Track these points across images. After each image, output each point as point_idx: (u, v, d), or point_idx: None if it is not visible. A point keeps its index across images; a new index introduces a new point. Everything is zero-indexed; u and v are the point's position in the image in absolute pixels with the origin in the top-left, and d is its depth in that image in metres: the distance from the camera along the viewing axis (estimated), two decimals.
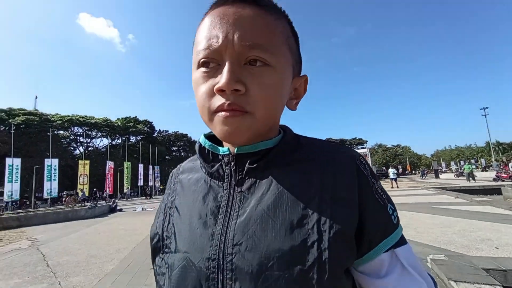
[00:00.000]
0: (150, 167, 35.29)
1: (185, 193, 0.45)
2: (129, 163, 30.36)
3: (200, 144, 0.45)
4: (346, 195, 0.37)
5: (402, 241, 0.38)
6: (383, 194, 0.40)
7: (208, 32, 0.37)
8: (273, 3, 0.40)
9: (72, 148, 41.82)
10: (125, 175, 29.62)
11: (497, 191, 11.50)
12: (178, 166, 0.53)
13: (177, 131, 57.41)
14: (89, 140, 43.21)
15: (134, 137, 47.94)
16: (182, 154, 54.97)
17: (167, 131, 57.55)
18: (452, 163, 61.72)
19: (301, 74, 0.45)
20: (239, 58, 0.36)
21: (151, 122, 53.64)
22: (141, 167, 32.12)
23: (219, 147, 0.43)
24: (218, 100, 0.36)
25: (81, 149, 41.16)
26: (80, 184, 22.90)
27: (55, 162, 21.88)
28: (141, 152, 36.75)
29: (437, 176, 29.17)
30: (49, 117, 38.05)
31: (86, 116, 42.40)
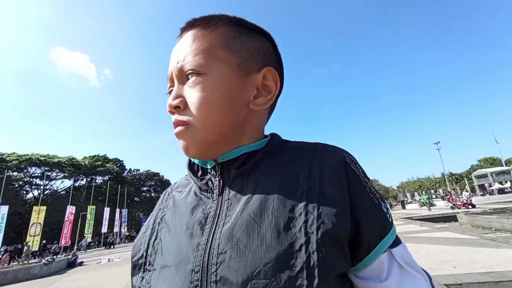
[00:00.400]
0: (117, 210, 32.41)
1: (176, 208, 0.44)
2: (94, 207, 27.53)
3: (190, 160, 0.46)
4: (334, 196, 0.35)
5: (398, 240, 0.38)
6: (376, 193, 0.39)
7: (170, 62, 0.43)
8: (210, 17, 0.42)
9: (24, 192, 37.27)
10: (87, 221, 26.64)
11: (454, 218, 12.75)
12: (174, 183, 0.53)
13: (148, 170, 54.84)
14: (47, 182, 39.13)
15: (100, 177, 44.59)
16: (153, 194, 51.69)
17: (138, 170, 54.81)
18: (416, 193, 66.46)
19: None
20: (182, 79, 0.41)
21: (122, 161, 50.96)
22: (106, 211, 29.03)
23: (207, 161, 0.44)
24: (173, 119, 0.41)
25: (36, 193, 36.89)
26: (30, 235, 19.59)
27: (4, 209, 19.10)
28: (108, 193, 33.99)
29: (403, 207, 31.01)
30: (4, 156, 34.47)
31: (48, 155, 39.14)
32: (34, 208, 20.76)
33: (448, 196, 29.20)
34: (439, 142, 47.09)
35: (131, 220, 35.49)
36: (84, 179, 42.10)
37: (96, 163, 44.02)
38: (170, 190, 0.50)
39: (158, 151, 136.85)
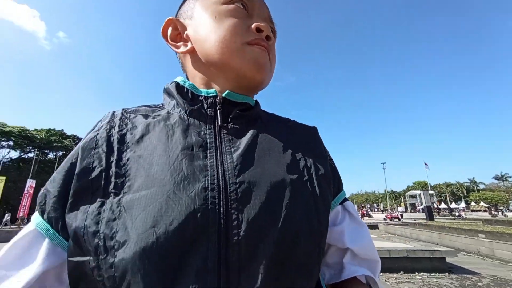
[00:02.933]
0: None
1: (148, 128, 0.40)
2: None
3: (178, 83, 0.44)
4: (319, 152, 0.45)
5: (347, 198, 0.49)
6: (333, 161, 0.50)
7: None
8: None
9: None
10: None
11: (377, 226, 16.64)
12: (121, 108, 0.44)
13: None
14: None
15: (52, 153, 41.64)
16: None
17: None
18: (363, 205, 75.09)
19: None
20: (265, 20, 0.46)
21: (80, 138, 47.87)
22: None
23: (200, 89, 0.43)
24: (254, 35, 0.42)
25: None
26: None
27: None
28: None
29: None
30: None
31: None
32: None
33: (386, 211, 35.51)
34: (385, 163, 54.72)
35: None
36: (32, 152, 38.98)
37: (53, 138, 41.06)
38: (123, 112, 0.43)
39: None
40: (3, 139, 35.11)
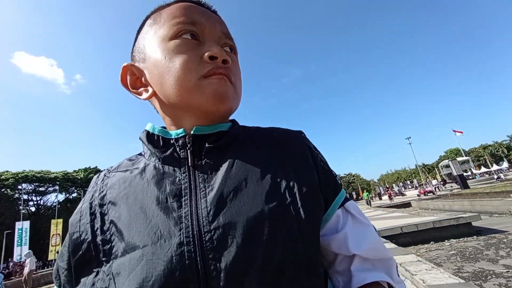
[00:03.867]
0: None
1: (128, 185, 0.40)
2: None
3: (148, 132, 0.44)
4: (304, 161, 0.42)
5: (347, 198, 0.45)
6: (326, 162, 0.46)
7: (187, 12, 0.42)
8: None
9: (17, 209, 37.54)
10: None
11: (409, 204, 16.69)
12: (107, 168, 0.46)
13: None
14: (40, 197, 39.64)
15: None
16: None
17: None
18: (394, 185, 72.57)
19: None
20: (218, 41, 0.43)
21: None
22: None
23: (170, 132, 0.42)
24: (208, 66, 0.40)
25: (32, 209, 37.32)
26: (52, 245, 21.74)
27: (26, 224, 21.00)
28: None
29: (380, 198, 35.62)
30: None
31: (42, 171, 39.70)
32: (52, 221, 22.64)
33: (421, 187, 34.31)
34: (410, 137, 52.67)
35: None
36: (75, 192, 42.79)
37: (90, 176, 44.79)
38: (106, 172, 0.45)
39: None
40: (50, 185, 39.13)
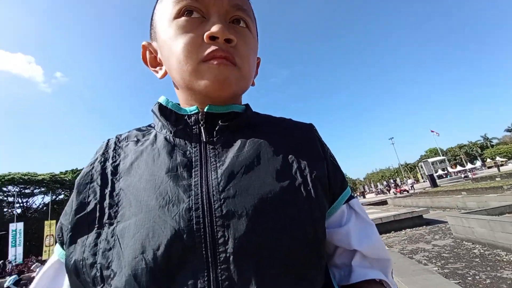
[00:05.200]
0: None
1: (137, 155, 0.40)
2: None
3: (160, 104, 0.44)
4: (315, 151, 0.43)
5: (353, 196, 0.46)
6: (335, 158, 0.47)
7: None
8: None
9: (4, 211, 36.77)
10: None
11: (385, 202, 18.56)
12: (116, 136, 0.46)
13: None
14: (26, 199, 39.02)
15: None
16: None
17: None
18: (378, 183, 76.04)
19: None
20: (226, 15, 0.40)
21: None
22: None
23: (184, 108, 0.42)
24: (209, 48, 0.37)
25: (18, 211, 36.74)
26: (46, 246, 22.07)
27: (20, 225, 21.30)
28: None
29: (363, 196, 37.94)
30: None
31: (28, 172, 39.06)
32: (46, 222, 22.92)
33: (393, 186, 37.43)
34: (392, 138, 55.70)
35: None
36: (63, 194, 42.30)
37: None
38: (116, 141, 0.44)
39: None
40: (36, 187, 38.55)
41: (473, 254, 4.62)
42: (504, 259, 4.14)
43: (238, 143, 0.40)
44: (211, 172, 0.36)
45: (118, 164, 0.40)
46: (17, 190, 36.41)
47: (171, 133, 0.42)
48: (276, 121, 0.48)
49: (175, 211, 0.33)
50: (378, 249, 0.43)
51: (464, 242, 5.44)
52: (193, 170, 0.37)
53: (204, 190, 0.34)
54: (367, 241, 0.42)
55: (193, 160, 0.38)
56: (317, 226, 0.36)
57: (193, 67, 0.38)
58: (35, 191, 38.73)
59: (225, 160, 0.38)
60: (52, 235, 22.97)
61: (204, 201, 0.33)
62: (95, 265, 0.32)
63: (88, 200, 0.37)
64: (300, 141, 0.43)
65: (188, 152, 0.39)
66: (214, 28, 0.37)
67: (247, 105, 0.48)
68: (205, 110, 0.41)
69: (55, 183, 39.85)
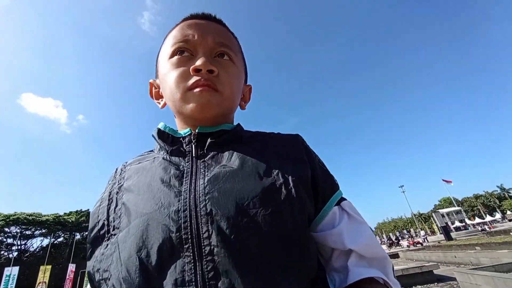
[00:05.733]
0: None
1: (140, 174, 0.46)
2: None
3: (159, 129, 0.50)
4: (297, 156, 0.47)
5: (344, 198, 0.48)
6: (324, 164, 0.51)
7: (183, 31, 0.49)
8: (224, 23, 0.54)
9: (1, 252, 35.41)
10: (85, 280, 26.95)
11: (397, 255, 17.42)
12: (122, 163, 0.53)
13: None
14: (24, 241, 37.86)
15: (79, 234, 43.47)
16: None
17: None
18: (391, 234, 70.86)
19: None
20: (211, 52, 0.49)
21: None
22: None
23: (179, 132, 0.49)
24: (194, 79, 0.45)
25: (15, 253, 35.35)
26: None
27: (15, 270, 20.29)
28: None
29: None
30: None
31: (33, 213, 38.74)
32: (41, 268, 21.84)
33: (407, 237, 35.31)
34: (403, 186, 54.03)
35: None
36: (62, 236, 41.02)
37: (82, 219, 43.50)
38: (122, 167, 0.51)
39: None
40: (38, 228, 37.73)
41: None
42: None
43: (226, 155, 0.45)
44: (199, 181, 0.40)
45: (122, 185, 0.46)
46: (18, 231, 35.74)
47: (167, 152, 0.48)
48: (265, 135, 0.54)
49: (166, 213, 0.37)
50: (373, 247, 0.44)
51: None
52: (184, 179, 0.41)
53: (191, 195, 0.38)
54: (361, 239, 0.43)
55: (185, 171, 0.43)
56: (296, 220, 0.38)
57: (181, 95, 0.46)
58: (35, 232, 37.88)
59: (213, 169, 0.42)
60: (45, 282, 21.68)
61: (191, 203, 0.37)
62: (99, 270, 0.38)
63: (98, 220, 0.43)
64: (284, 148, 0.48)
65: (181, 166, 0.44)
66: (198, 62, 0.45)
67: (238, 125, 0.53)
68: (196, 131, 0.47)
69: (57, 225, 39.04)
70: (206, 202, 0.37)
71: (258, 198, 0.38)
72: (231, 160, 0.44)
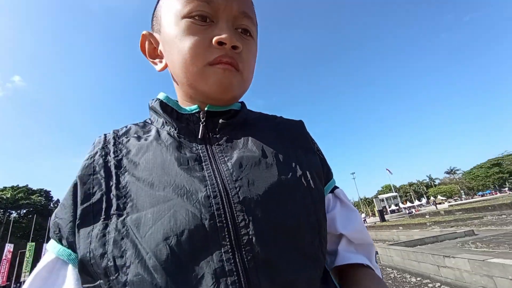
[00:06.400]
0: (45, 246, 29.51)
1: (143, 151, 0.41)
2: (33, 243, 25.87)
3: (162, 101, 0.45)
4: (308, 146, 0.48)
5: (337, 186, 0.51)
6: (322, 152, 0.52)
7: None
8: None
9: None
10: (26, 259, 24.92)
11: None
12: (114, 130, 0.47)
13: None
14: None
15: (15, 212, 39.18)
16: None
17: None
18: None
19: None
20: (234, 22, 0.43)
21: (49, 191, 45.68)
22: (45, 247, 27.29)
23: (185, 108, 0.44)
24: (216, 53, 0.40)
25: None
26: None
27: None
28: (34, 228, 31.07)
29: None
30: None
31: None
32: None
33: None
34: (354, 173, 60.18)
35: None
36: None
37: (19, 195, 39.00)
38: (114, 136, 0.45)
39: None
40: None
41: (389, 277, 5.77)
42: (408, 281, 5.32)
43: (241, 139, 0.43)
44: (221, 165, 0.39)
45: (121, 159, 0.41)
46: None
47: (175, 129, 0.44)
48: (270, 118, 0.53)
49: (195, 199, 0.34)
50: (362, 233, 0.47)
51: (386, 268, 6.65)
52: (204, 163, 0.39)
53: (219, 180, 0.37)
54: (352, 225, 0.46)
55: (201, 155, 0.40)
56: (318, 212, 0.40)
57: (199, 69, 0.40)
58: None
59: (233, 155, 0.40)
60: None
61: (221, 189, 0.36)
62: (106, 255, 0.33)
63: (93, 191, 0.37)
64: (295, 137, 0.49)
65: (194, 149, 0.41)
66: (224, 35, 0.39)
67: (242, 103, 0.52)
68: (206, 109, 0.44)
69: None
70: (238, 190, 0.36)
71: (285, 189, 0.38)
72: (248, 145, 0.43)
